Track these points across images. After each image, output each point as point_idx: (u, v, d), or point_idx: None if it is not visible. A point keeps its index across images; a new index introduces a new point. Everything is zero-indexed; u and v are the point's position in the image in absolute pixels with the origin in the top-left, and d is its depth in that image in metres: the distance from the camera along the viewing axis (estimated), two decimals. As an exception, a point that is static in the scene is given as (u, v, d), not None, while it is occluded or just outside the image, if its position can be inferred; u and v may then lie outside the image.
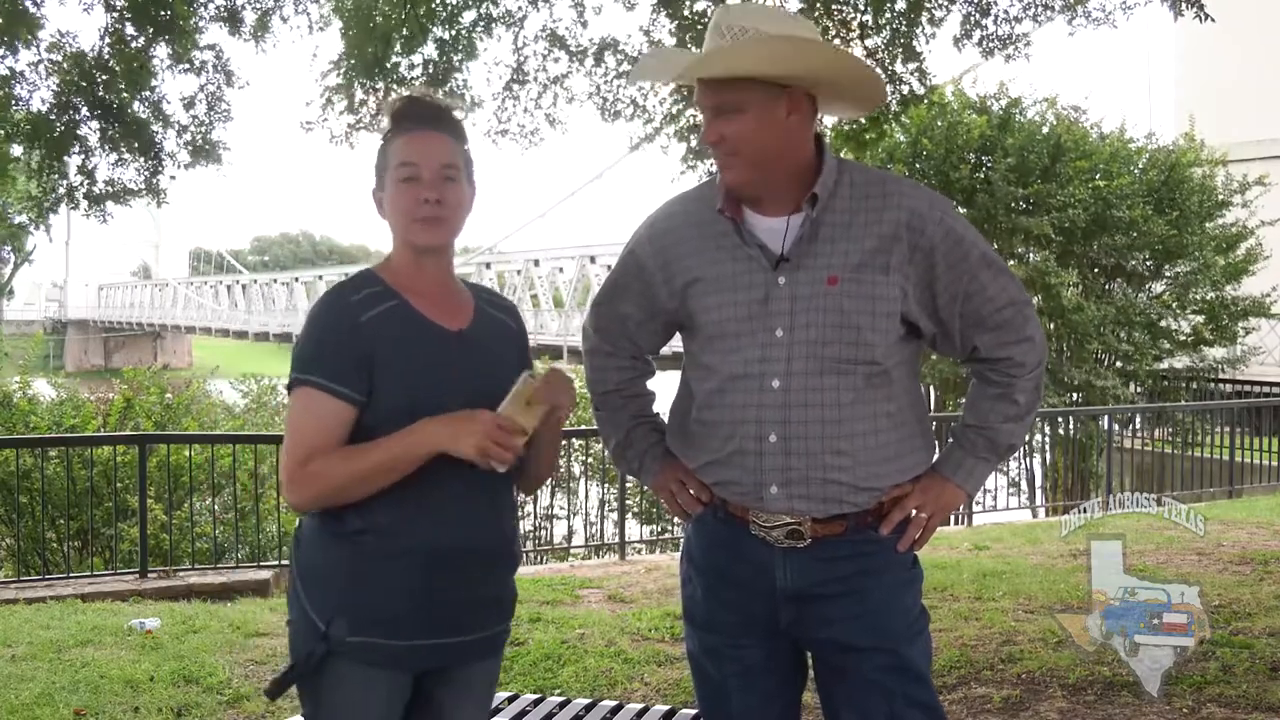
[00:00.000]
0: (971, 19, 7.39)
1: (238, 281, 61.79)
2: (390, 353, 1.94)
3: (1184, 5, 7.02)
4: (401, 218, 1.99)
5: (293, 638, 2.02)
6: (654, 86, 7.47)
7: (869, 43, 7.46)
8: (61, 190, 6.92)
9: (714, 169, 2.08)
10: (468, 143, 2.06)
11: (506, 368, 2.05)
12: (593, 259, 34.49)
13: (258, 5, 6.97)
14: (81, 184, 6.85)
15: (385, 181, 2.01)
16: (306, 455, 1.91)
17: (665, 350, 2.33)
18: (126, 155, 6.85)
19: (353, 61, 6.97)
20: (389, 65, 7.03)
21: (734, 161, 1.99)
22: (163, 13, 6.38)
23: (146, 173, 6.93)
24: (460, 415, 1.90)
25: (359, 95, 7.24)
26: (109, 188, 6.90)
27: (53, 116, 6.52)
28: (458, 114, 2.07)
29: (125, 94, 6.66)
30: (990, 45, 7.47)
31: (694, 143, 7.58)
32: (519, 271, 39.45)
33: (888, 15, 7.37)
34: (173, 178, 7.26)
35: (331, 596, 1.96)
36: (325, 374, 1.92)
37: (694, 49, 6.99)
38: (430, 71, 7.21)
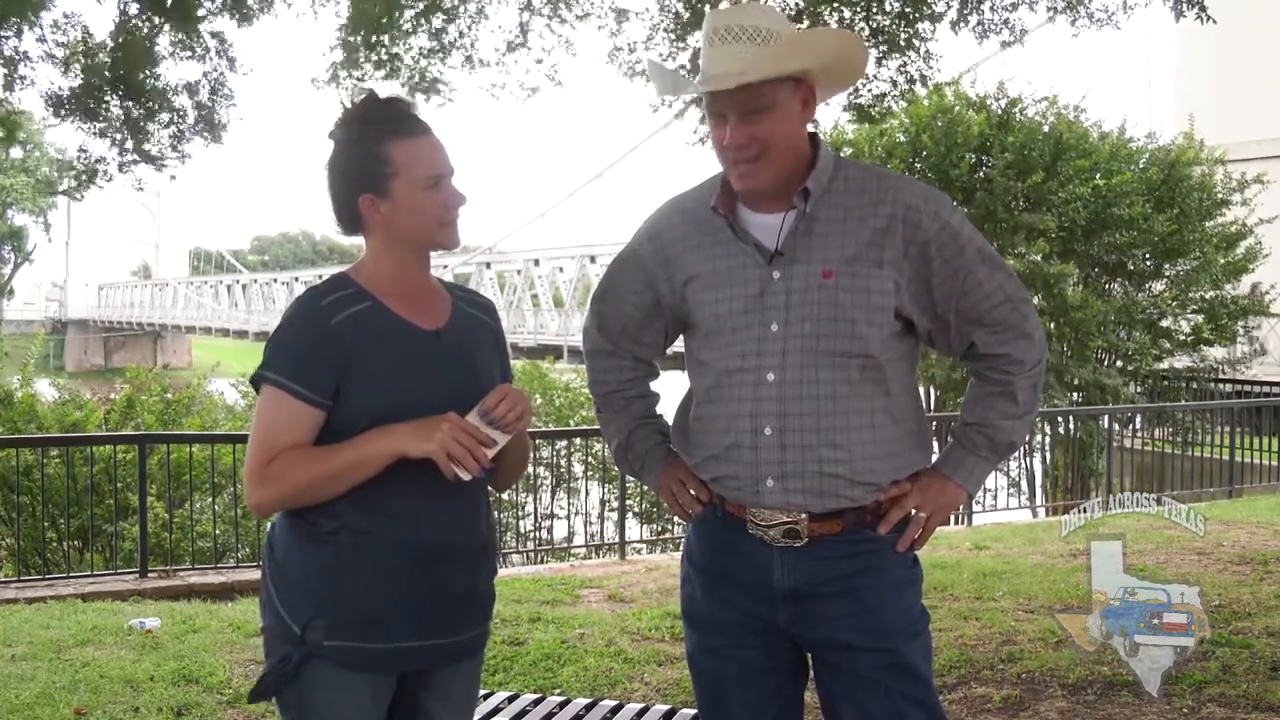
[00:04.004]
0: (969, 5, 7.43)
1: (238, 281, 61.69)
2: (363, 355, 1.93)
3: (1185, 6, 7.03)
4: (428, 223, 1.98)
5: (268, 644, 2.00)
6: (672, 53, 7.57)
7: (873, 23, 7.48)
8: (95, 163, 7.11)
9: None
10: None
11: (485, 365, 2.06)
12: (593, 259, 34.44)
13: None
14: (109, 159, 7.04)
15: (392, 187, 1.95)
16: (268, 455, 1.90)
17: (668, 350, 2.33)
18: (141, 132, 7.03)
19: (358, 37, 7.02)
20: (396, 30, 7.09)
21: (759, 166, 1.98)
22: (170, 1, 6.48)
23: (168, 142, 7.12)
24: (426, 419, 1.90)
25: (366, 68, 7.30)
26: (137, 157, 7.09)
27: (68, 96, 6.66)
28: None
29: (133, 79, 6.78)
30: (986, 30, 7.50)
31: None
32: (519, 271, 39.38)
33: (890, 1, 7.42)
34: (170, 176, 7.39)
35: (308, 599, 1.94)
36: (290, 376, 1.92)
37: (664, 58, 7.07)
38: (436, 36, 7.30)
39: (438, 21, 7.29)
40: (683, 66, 7.35)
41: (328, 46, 7.31)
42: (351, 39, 7.07)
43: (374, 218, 1.98)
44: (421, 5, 7.07)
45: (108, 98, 6.82)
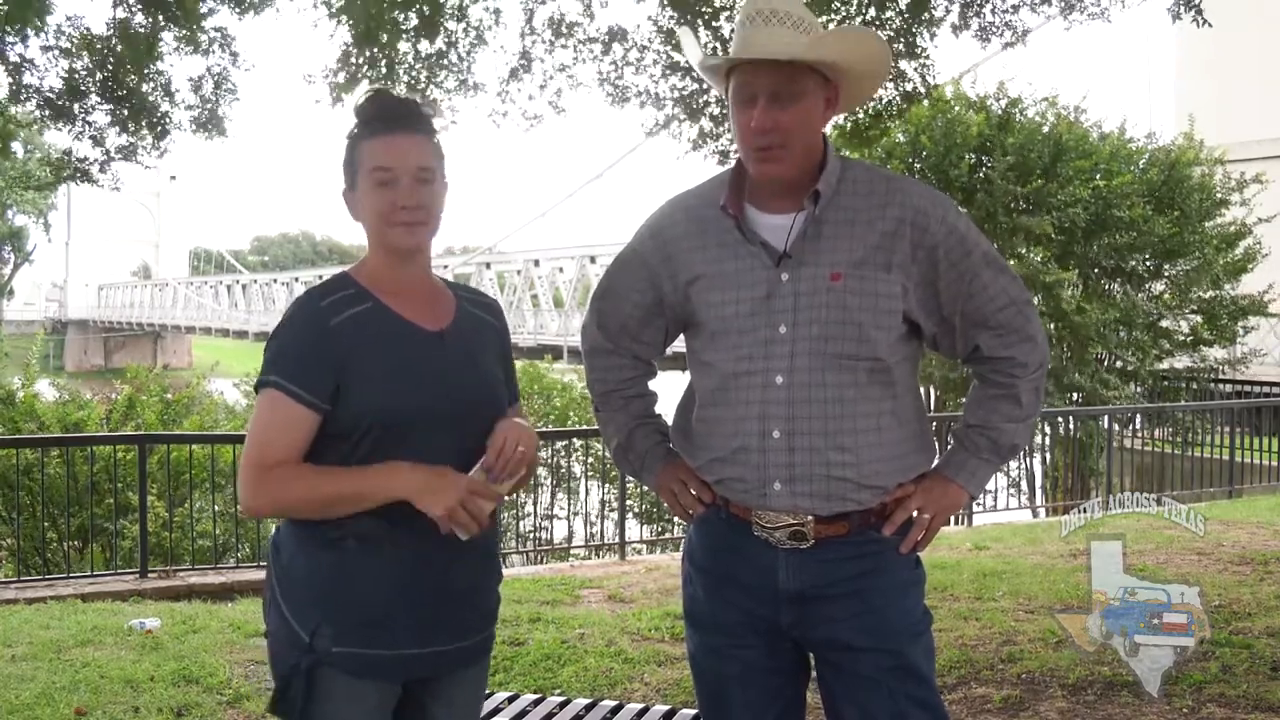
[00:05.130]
0: (970, 8, 7.43)
1: (238, 281, 61.69)
2: (362, 356, 1.92)
3: (1182, 8, 7.03)
4: (377, 221, 1.96)
5: (273, 648, 1.99)
6: (664, 74, 7.54)
7: None
8: (74, 164, 7.09)
9: (727, 147, 2.08)
10: (437, 135, 2.03)
11: (488, 367, 2.05)
12: (593, 259, 34.47)
13: None
14: (93, 160, 7.02)
15: (357, 182, 1.97)
16: (265, 458, 1.89)
17: (668, 350, 2.32)
18: (134, 135, 7.01)
19: (361, 53, 7.01)
20: (394, 54, 7.08)
21: (781, 153, 1.97)
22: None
23: (153, 137, 7.09)
24: (436, 471, 1.88)
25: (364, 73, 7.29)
26: (119, 154, 7.07)
27: (62, 101, 6.65)
28: (426, 111, 2.03)
29: (133, 77, 6.77)
30: (988, 33, 7.50)
31: (706, 126, 7.55)
32: (519, 271, 39.41)
33: (890, 12, 7.39)
34: (170, 176, 7.37)
35: (314, 605, 1.93)
36: (290, 378, 1.90)
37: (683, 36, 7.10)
38: (438, 58, 7.29)
39: (439, 44, 7.28)
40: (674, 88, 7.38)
41: (330, 67, 7.30)
42: (354, 55, 7.05)
43: (354, 212, 2.01)
44: (416, 27, 7.06)
45: (94, 98, 6.79)
